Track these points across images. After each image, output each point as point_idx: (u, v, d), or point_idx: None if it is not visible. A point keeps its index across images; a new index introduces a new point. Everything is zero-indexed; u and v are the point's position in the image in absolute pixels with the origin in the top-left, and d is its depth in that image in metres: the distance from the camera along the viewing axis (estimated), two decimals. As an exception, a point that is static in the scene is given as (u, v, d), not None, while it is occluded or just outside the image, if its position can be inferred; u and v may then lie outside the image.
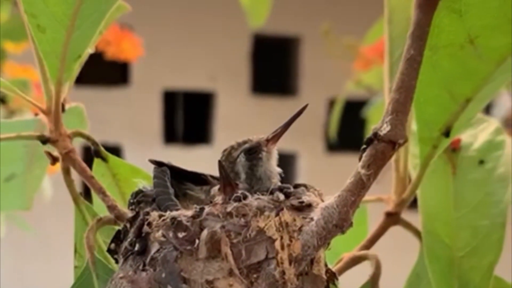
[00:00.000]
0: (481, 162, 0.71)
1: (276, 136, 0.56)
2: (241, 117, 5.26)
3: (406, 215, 0.69)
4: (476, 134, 0.73)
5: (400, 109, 0.47)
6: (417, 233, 0.67)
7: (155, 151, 5.48)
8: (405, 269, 0.73)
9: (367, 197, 0.71)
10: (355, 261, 0.63)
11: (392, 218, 0.65)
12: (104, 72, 5.33)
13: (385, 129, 0.47)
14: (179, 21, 5.40)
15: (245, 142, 0.56)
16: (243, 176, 0.55)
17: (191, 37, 5.42)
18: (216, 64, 5.47)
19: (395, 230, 0.71)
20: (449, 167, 0.71)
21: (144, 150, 5.44)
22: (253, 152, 0.56)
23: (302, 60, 5.58)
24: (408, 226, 0.67)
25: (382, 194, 0.70)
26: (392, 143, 0.47)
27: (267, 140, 0.56)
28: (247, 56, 5.55)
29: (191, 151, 5.44)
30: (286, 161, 5.69)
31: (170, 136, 5.70)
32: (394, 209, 0.66)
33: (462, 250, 0.66)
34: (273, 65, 5.77)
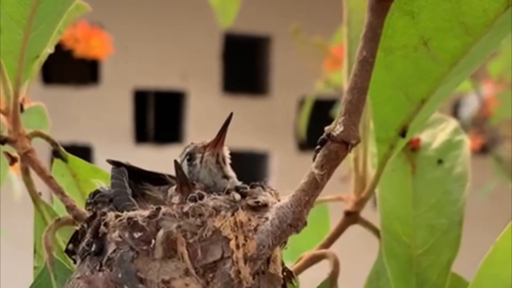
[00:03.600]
0: (440, 161, 0.72)
1: (212, 143, 0.56)
2: (212, 116, 5.25)
3: (372, 214, 0.70)
4: (435, 134, 0.74)
5: (352, 110, 0.48)
6: (376, 231, 0.68)
7: (126, 151, 5.45)
8: (367, 267, 0.74)
9: (328, 196, 0.72)
10: (315, 259, 0.64)
11: (351, 217, 0.66)
12: (74, 71, 5.29)
13: (338, 130, 0.48)
14: (150, 20, 5.38)
15: (188, 147, 0.57)
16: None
17: (162, 36, 5.40)
18: (187, 63, 5.45)
19: (357, 228, 0.72)
20: (408, 167, 0.72)
21: (115, 150, 5.41)
22: (190, 158, 0.56)
23: (273, 59, 5.59)
24: (367, 224, 0.68)
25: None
26: (345, 144, 0.48)
27: (204, 147, 0.56)
28: (218, 55, 5.55)
29: (163, 151, 5.42)
30: (258, 160, 5.70)
31: (141, 135, 5.68)
32: (353, 208, 0.66)
33: (420, 248, 0.67)
34: (244, 64, 5.77)
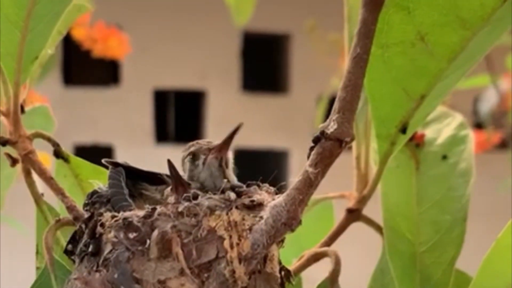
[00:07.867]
0: (444, 157, 0.71)
1: (217, 148, 0.56)
2: (232, 114, 5.26)
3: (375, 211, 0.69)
4: (440, 129, 0.73)
5: (347, 108, 0.47)
6: (379, 229, 0.67)
7: (147, 151, 5.48)
8: (370, 265, 0.74)
9: (330, 193, 0.72)
10: (316, 257, 0.63)
11: (353, 215, 0.66)
12: (94, 72, 5.32)
13: (332, 127, 0.47)
14: (169, 20, 5.39)
15: (193, 146, 0.56)
16: (185, 176, 0.55)
17: (181, 36, 5.42)
18: (207, 62, 5.46)
19: (361, 226, 0.72)
20: (412, 163, 0.71)
21: (136, 150, 5.44)
22: (194, 157, 0.56)
23: (292, 57, 5.58)
24: (369, 222, 0.67)
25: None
26: (339, 141, 0.47)
27: (209, 149, 0.56)
28: (237, 54, 5.55)
29: (183, 150, 5.43)
30: (278, 158, 5.69)
31: (162, 135, 5.70)
32: (355, 206, 0.66)
33: (423, 245, 0.66)
34: (263, 63, 5.76)
